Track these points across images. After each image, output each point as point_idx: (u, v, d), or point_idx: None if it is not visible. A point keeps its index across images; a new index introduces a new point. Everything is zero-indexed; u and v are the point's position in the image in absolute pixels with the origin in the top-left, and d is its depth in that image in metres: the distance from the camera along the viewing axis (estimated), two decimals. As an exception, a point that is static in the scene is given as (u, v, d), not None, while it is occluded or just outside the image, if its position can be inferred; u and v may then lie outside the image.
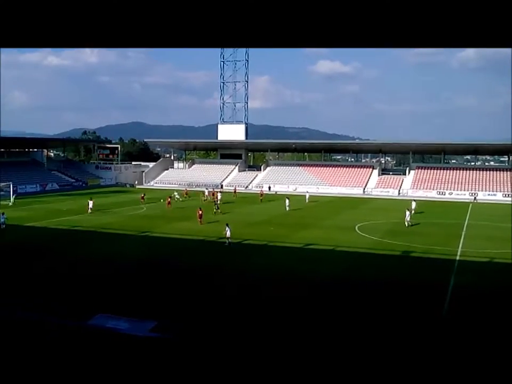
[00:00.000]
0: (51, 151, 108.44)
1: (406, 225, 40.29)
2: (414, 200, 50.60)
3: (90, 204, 48.31)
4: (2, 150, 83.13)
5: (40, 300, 19.91)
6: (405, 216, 41.00)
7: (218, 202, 50.43)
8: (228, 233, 31.88)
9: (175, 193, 59.16)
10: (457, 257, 29.20)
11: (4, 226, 37.77)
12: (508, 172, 74.99)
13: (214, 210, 46.81)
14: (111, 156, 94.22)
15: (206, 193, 60.87)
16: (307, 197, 60.42)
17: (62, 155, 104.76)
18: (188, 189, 68.46)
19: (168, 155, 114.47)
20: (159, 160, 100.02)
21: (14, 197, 55.93)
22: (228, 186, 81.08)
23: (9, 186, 58.67)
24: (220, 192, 60.27)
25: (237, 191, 69.45)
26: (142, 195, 58.68)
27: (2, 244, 31.87)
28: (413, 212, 44.36)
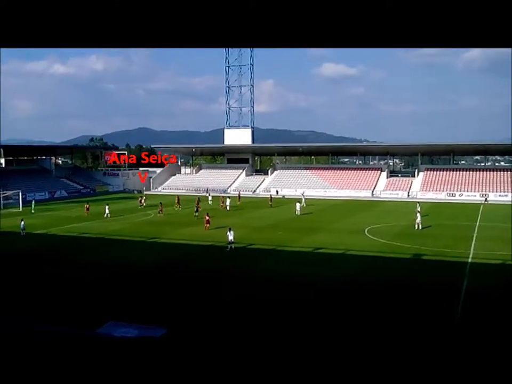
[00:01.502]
0: (59, 158, 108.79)
1: (416, 227, 40.00)
2: (418, 202, 50.28)
3: (107, 209, 49.36)
4: (11, 158, 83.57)
5: (52, 307, 19.81)
6: (416, 219, 40.80)
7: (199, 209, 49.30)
8: (230, 237, 31.67)
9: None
10: (469, 260, 28.80)
11: (23, 233, 38.27)
12: (518, 172, 74.30)
13: (195, 214, 46.95)
14: (118, 162, 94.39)
15: (210, 198, 60.92)
16: (303, 200, 58.04)
17: (70, 162, 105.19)
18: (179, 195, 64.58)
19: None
20: (166, 166, 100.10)
21: (34, 204, 55.96)
22: (235, 190, 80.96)
23: (18, 195, 58.78)
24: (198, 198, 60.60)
25: (241, 196, 68.01)
26: (140, 199, 60.22)
27: (16, 251, 31.93)
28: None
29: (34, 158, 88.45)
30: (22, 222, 38.96)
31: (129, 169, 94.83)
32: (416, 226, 40.15)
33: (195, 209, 48.59)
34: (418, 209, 45.01)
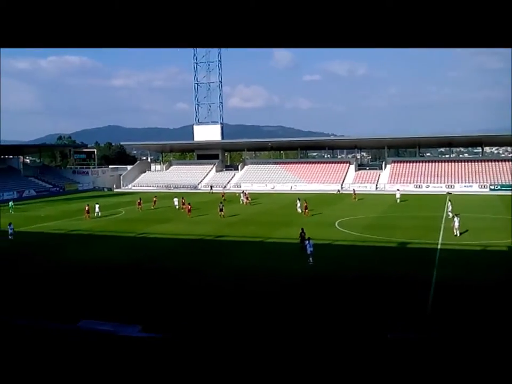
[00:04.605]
0: (27, 157, 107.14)
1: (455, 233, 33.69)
2: (450, 200, 46.65)
3: (97, 207, 47.94)
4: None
5: (23, 305, 19.82)
6: (453, 224, 34.27)
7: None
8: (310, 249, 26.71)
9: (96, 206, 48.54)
10: (438, 247, 29.71)
11: (11, 237, 35.77)
12: (482, 163, 76.43)
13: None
14: (87, 160, 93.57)
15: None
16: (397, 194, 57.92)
17: (38, 161, 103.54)
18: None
19: (144, 158, 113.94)
20: (136, 163, 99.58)
21: (12, 204, 54.27)
22: (205, 186, 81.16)
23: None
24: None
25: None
26: (139, 200, 54.04)
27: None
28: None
29: (2, 157, 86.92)
30: (10, 226, 36.24)
31: (99, 167, 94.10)
32: (454, 232, 33.75)
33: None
34: (450, 208, 42.69)
